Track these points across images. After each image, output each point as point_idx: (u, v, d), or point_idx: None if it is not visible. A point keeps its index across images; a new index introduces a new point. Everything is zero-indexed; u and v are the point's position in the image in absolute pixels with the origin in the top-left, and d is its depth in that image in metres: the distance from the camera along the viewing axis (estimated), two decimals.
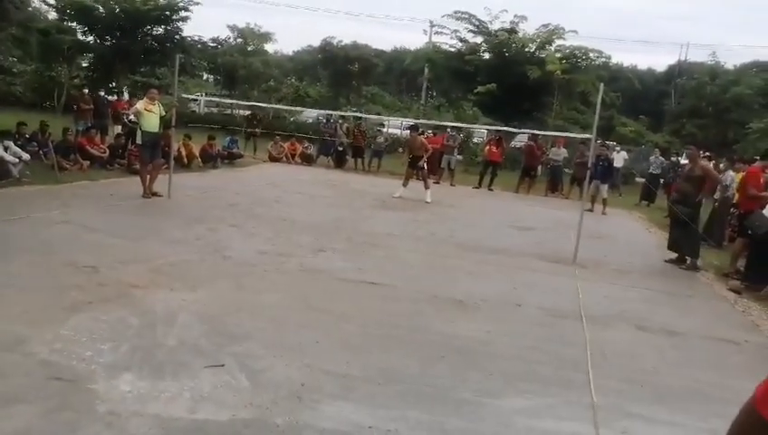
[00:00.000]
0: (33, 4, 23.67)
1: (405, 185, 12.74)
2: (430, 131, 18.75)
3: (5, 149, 9.54)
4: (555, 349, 4.57)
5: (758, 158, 10.21)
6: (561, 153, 16.78)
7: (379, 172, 17.81)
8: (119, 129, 14.40)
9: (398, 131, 26.73)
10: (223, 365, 3.62)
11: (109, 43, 23.64)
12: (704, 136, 23.80)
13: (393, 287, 5.80)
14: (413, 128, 14.13)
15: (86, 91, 16.84)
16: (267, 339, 4.15)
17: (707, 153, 12.88)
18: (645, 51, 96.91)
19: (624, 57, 69.93)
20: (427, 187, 12.65)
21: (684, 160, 17.11)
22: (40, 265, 5.26)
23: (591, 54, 23.82)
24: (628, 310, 5.92)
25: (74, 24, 23.99)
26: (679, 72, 38.49)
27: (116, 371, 3.41)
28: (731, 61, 47.17)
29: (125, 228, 7.16)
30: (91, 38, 24.27)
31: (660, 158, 18.55)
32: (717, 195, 10.78)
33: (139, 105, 9.41)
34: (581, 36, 40.92)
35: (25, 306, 4.24)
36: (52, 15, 25.06)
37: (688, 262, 8.32)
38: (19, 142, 10.51)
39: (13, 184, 9.16)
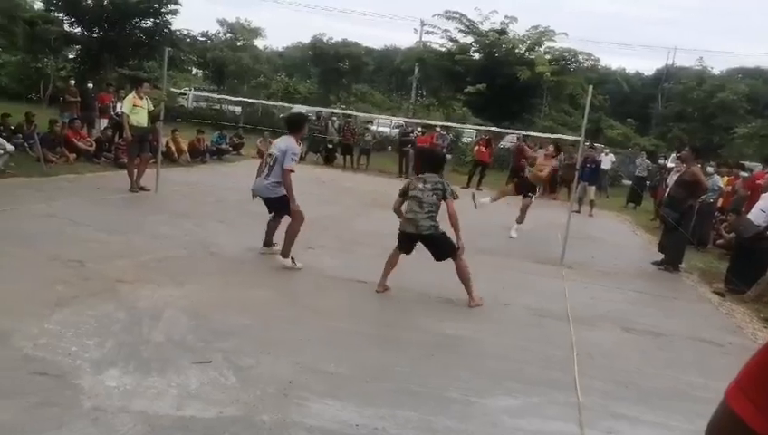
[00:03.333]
0: None
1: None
2: (419, 129, 18.77)
3: None
4: (542, 349, 4.60)
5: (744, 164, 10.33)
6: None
7: (368, 170, 17.79)
8: (105, 122, 14.26)
9: (387, 130, 26.71)
10: (210, 362, 3.60)
11: (96, 35, 23.35)
12: (690, 140, 24.02)
13: None
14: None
15: (72, 83, 16.62)
16: (255, 336, 4.13)
17: (699, 157, 13.01)
18: (633, 54, 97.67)
19: (613, 60, 70.59)
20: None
21: (670, 163, 17.27)
22: (25, 259, 5.19)
23: (581, 57, 23.99)
24: (614, 311, 5.97)
25: (61, 14, 23.66)
26: (667, 76, 38.85)
27: (102, 366, 3.38)
28: (717, 66, 47.67)
29: (112, 223, 7.09)
30: (78, 29, 23.96)
31: (647, 161, 18.71)
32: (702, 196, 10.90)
33: (128, 102, 9.33)
34: (571, 39, 41.16)
35: (10, 300, 4.19)
36: (39, 5, 24.71)
37: (667, 264, 8.38)
38: (4, 134, 10.38)
39: None
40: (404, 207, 5.66)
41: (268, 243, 6.42)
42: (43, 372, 3.24)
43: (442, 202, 5.48)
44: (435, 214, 5.50)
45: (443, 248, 5.54)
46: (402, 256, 5.71)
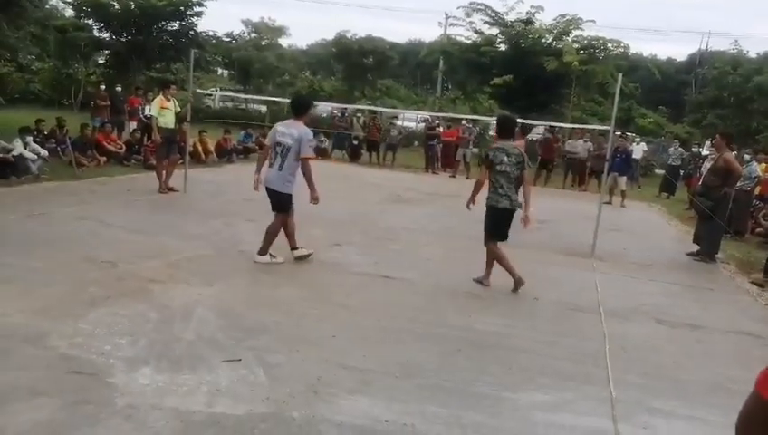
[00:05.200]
0: (51, 2, 23.88)
1: None
2: (436, 122, 18.67)
3: (25, 145, 9.67)
4: (573, 343, 4.53)
5: None
6: (577, 145, 16.56)
7: (394, 166, 17.76)
8: (134, 125, 14.53)
9: (412, 124, 26.64)
10: (240, 360, 3.63)
11: (124, 40, 23.76)
12: (726, 126, 23.31)
13: (409, 281, 5.78)
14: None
15: (102, 87, 16.97)
16: (284, 333, 4.16)
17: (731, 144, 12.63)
18: (665, 40, 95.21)
19: (643, 47, 68.86)
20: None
21: (705, 151, 16.84)
22: (59, 261, 5.32)
23: (610, 44, 23.41)
24: (648, 303, 5.84)
25: (90, 20, 24.15)
26: (700, 61, 37.80)
27: (135, 364, 3.44)
28: (754, 49, 46.15)
29: (142, 224, 7.21)
30: (106, 35, 24.42)
31: (680, 149, 18.27)
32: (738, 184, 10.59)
33: (155, 105, 9.46)
34: (600, 26, 40.38)
35: (46, 301, 4.29)
36: (69, 13, 25.28)
37: (702, 254, 8.15)
38: (38, 139, 10.66)
39: (32, 180, 9.27)
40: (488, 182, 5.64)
41: (294, 245, 6.08)
42: (78, 370, 3.31)
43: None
44: (518, 187, 5.67)
45: (509, 226, 5.68)
46: (429, 250, 5.68)
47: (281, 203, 5.87)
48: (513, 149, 5.61)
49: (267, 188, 5.90)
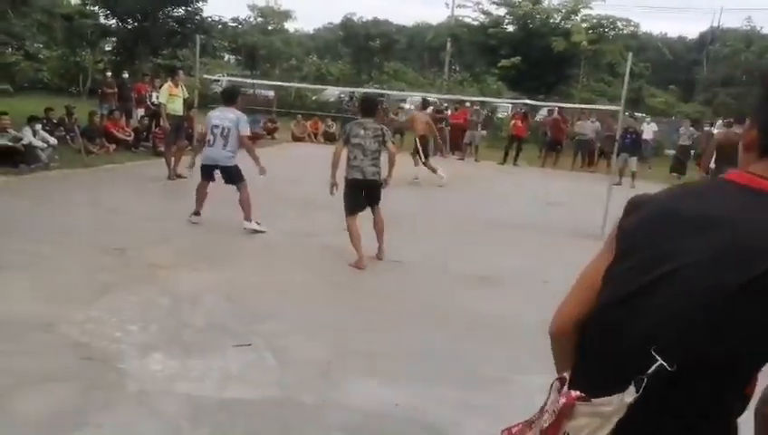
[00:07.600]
0: None
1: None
2: (446, 105, 18.54)
3: (34, 134, 9.69)
4: None
5: None
6: (586, 127, 16.38)
7: (402, 149, 17.68)
8: (142, 112, 14.52)
9: None
10: (250, 344, 3.65)
11: (130, 27, 23.71)
12: (738, 105, 22.99)
13: (418, 265, 5.78)
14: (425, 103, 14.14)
15: (109, 75, 16.96)
16: (293, 318, 4.17)
17: (730, 120, 12.45)
18: (675, 18, 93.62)
19: (653, 25, 67.61)
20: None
21: (716, 131, 16.61)
22: (69, 248, 5.35)
23: (619, 23, 23.09)
24: None
25: (96, 8, 24.09)
26: (712, 39, 37.23)
27: (145, 350, 3.46)
28: None
29: (151, 210, 7.24)
30: (113, 22, 24.39)
31: (691, 129, 18.02)
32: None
33: (164, 91, 9.43)
34: (609, 5, 39.75)
35: (56, 288, 4.33)
36: (75, 0, 25.20)
37: None
38: (47, 127, 10.67)
39: (41, 169, 9.30)
40: (344, 156, 5.80)
41: (199, 211, 6.76)
42: (89, 357, 3.33)
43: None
44: (378, 160, 5.79)
45: (379, 196, 5.87)
46: (437, 233, 5.66)
47: (232, 175, 6.59)
48: (372, 124, 5.80)
49: (212, 166, 6.62)
